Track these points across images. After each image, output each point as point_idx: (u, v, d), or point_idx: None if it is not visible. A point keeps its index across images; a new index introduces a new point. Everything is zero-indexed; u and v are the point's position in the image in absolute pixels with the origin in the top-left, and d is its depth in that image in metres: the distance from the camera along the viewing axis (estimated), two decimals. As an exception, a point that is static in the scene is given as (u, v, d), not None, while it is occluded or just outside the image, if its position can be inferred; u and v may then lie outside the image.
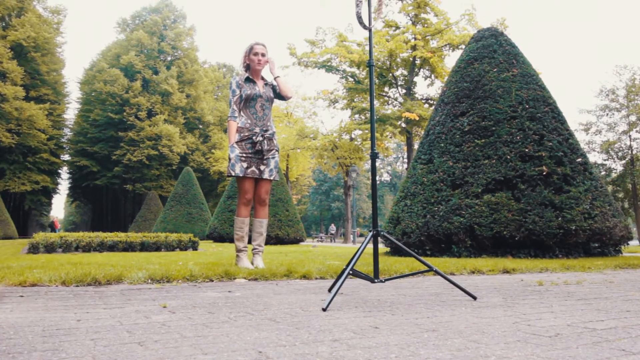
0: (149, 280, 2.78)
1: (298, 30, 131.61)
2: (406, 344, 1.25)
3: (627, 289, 2.61)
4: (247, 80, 3.70)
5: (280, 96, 3.79)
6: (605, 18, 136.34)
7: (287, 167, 29.01)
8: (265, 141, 3.62)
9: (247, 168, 3.59)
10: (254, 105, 3.66)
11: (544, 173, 5.57)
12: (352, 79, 23.63)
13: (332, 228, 36.20)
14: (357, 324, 1.55)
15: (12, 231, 23.25)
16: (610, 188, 24.83)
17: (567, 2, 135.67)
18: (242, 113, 3.66)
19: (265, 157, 3.64)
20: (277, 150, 3.74)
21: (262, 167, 3.64)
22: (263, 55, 3.69)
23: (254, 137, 3.59)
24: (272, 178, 3.68)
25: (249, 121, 3.63)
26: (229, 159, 3.56)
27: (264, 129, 3.65)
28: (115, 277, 2.75)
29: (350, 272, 2.09)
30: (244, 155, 3.59)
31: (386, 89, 23.59)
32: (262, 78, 3.80)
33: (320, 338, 1.32)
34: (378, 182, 62.84)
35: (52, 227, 29.88)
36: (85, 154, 38.29)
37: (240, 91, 3.66)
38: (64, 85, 38.64)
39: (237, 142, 3.59)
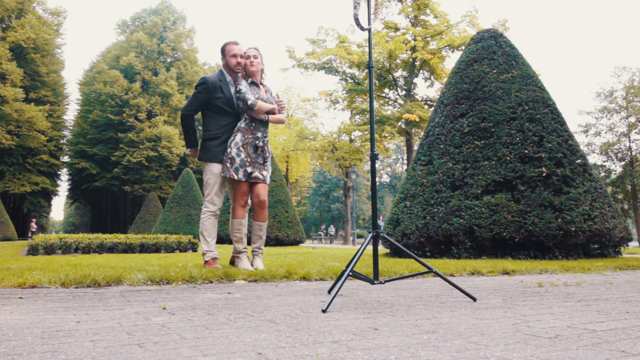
0: (149, 282, 2.78)
1: (298, 32, 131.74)
2: (406, 345, 1.25)
3: (626, 290, 2.61)
4: (252, 84, 3.66)
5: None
6: (605, 19, 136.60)
7: (287, 169, 29.00)
8: (266, 147, 3.66)
9: (252, 173, 3.56)
10: None
11: (544, 174, 5.57)
12: (352, 80, 23.64)
13: (331, 229, 36.23)
14: (356, 325, 1.55)
15: (12, 233, 23.25)
16: (609, 189, 24.83)
17: (567, 3, 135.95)
18: (245, 116, 3.62)
19: (265, 162, 3.67)
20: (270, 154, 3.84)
21: (264, 173, 3.66)
22: (255, 57, 3.68)
23: (257, 142, 3.58)
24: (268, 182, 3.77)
25: (253, 124, 3.60)
26: (232, 161, 3.50)
27: (264, 134, 3.65)
28: (114, 279, 2.75)
29: (350, 273, 2.09)
30: (249, 160, 3.55)
31: (386, 90, 23.61)
32: (262, 84, 3.74)
33: (320, 339, 1.32)
34: (377, 183, 62.84)
35: None
36: (84, 155, 38.24)
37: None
38: (63, 87, 38.61)
39: (241, 146, 3.54)
